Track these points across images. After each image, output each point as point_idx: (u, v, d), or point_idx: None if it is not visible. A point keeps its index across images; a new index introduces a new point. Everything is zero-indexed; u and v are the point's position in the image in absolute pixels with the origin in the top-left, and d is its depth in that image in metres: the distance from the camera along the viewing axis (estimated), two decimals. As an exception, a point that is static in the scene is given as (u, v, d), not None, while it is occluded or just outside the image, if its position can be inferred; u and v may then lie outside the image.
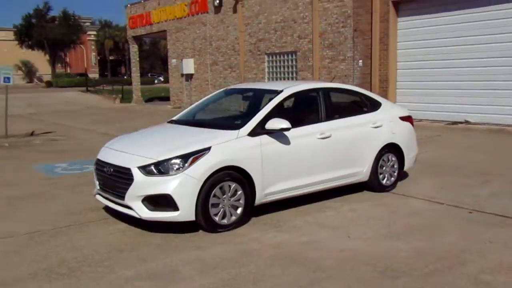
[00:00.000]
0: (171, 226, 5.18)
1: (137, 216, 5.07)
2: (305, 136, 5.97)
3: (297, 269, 4.26)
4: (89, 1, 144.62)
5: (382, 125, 6.84)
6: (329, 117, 6.32)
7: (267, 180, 5.55)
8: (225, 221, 5.25)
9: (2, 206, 6.47)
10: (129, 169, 5.08)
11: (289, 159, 5.79)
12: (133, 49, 27.61)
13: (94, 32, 75.71)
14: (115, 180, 5.26)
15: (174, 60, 24.02)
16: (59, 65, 70.08)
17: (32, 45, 61.88)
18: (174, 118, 6.59)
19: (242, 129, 5.51)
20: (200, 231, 5.21)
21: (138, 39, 27.56)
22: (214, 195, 5.13)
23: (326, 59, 16.61)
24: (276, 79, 18.63)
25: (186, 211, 4.97)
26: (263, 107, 5.91)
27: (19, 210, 6.28)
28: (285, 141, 5.72)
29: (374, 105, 7.02)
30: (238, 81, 19.76)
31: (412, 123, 7.47)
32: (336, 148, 6.24)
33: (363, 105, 7.05)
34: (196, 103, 7.03)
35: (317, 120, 6.26)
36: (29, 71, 70.82)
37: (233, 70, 20.50)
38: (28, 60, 68.37)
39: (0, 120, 14.13)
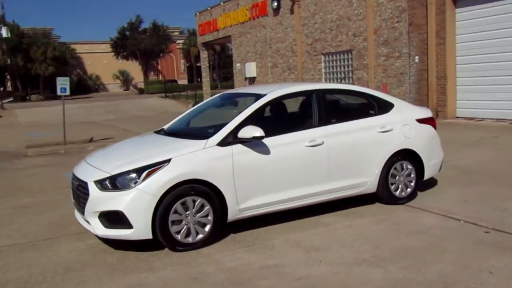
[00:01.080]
0: (149, 243, 4.71)
1: (94, 233, 4.68)
2: (289, 144, 5.23)
3: (232, 302, 3.60)
4: (178, 11, 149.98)
5: (393, 129, 5.88)
6: (323, 122, 5.50)
7: (241, 194, 4.91)
8: (189, 240, 4.69)
9: (3, 215, 6.43)
10: (86, 183, 4.71)
11: (269, 170, 5.08)
12: (203, 55, 27.88)
13: (182, 41, 78.32)
14: (79, 194, 4.92)
15: (238, 64, 23.82)
16: (151, 73, 73.45)
17: (126, 56, 65.39)
18: (163, 127, 6.13)
19: (211, 139, 4.91)
20: (166, 249, 4.71)
21: (207, 45, 27.79)
22: (175, 211, 4.59)
23: (381, 57, 15.37)
24: (333, 80, 17.66)
25: (141, 229, 4.48)
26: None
27: (16, 220, 6.19)
28: (264, 150, 5.03)
29: (383, 107, 6.07)
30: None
31: (434, 126, 6.40)
32: (331, 157, 5.42)
33: (369, 107, 6.12)
34: (191, 109, 6.51)
35: (307, 126, 5.48)
36: (125, 80, 74.87)
37: (291, 71, 19.81)
38: (125, 69, 72.36)
39: (69, 128, 14.68)
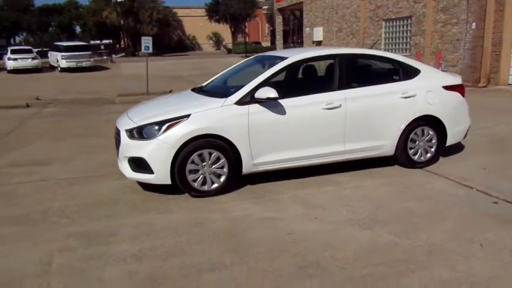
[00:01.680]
0: (173, 188, 4.56)
1: (124, 174, 4.68)
2: (306, 106, 4.79)
3: (217, 249, 3.40)
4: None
5: (416, 95, 5.19)
6: (344, 86, 4.95)
7: (256, 149, 4.62)
8: (205, 187, 4.53)
9: (73, 152, 6.69)
10: (119, 131, 4.67)
11: (284, 130, 4.70)
12: (278, 20, 26.98)
13: (267, 7, 76.49)
14: (117, 141, 4.91)
15: (307, 29, 22.75)
16: (239, 35, 73.12)
17: (218, 19, 65.39)
18: (202, 85, 5.89)
19: (229, 98, 4.61)
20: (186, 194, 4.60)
21: (282, 11, 26.77)
22: (192, 162, 4.42)
23: (439, 23, 13.77)
24: (392, 45, 16.28)
25: (161, 175, 4.39)
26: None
27: (80, 156, 6.41)
28: (280, 110, 4.65)
29: (408, 73, 5.34)
30: (358, 47, 17.85)
31: (462, 93, 5.57)
32: (349, 120, 4.90)
33: (393, 72, 5.40)
34: (227, 69, 6.18)
35: (327, 89, 4.95)
36: (217, 41, 75.31)
37: (354, 36, 18.54)
38: (217, 31, 72.65)
39: (156, 80, 14.96)
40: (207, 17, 65.57)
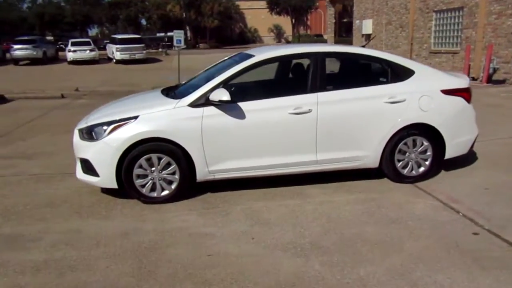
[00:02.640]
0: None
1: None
2: (270, 110, 4.31)
3: (121, 267, 3.09)
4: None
5: (405, 100, 4.51)
6: (317, 88, 4.41)
7: (211, 156, 4.25)
8: (154, 194, 4.26)
9: (63, 147, 6.66)
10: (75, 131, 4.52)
11: (243, 136, 4.28)
12: (329, 11, 25.96)
13: (330, -2, 74.46)
14: None
15: (357, 21, 21.62)
16: (301, 27, 72.08)
17: (279, 12, 64.85)
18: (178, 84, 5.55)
19: (183, 99, 4.27)
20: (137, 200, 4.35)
21: (334, 2, 25.71)
22: (140, 166, 4.16)
23: (493, 15, 12.30)
24: (442, 39, 14.90)
25: (106, 178, 4.17)
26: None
27: (65, 152, 6.35)
28: (238, 114, 4.23)
29: (399, 74, 4.65)
30: (407, 41, 16.62)
31: (467, 98, 4.77)
32: (321, 126, 4.37)
33: (380, 74, 4.73)
34: (210, 67, 5.79)
35: (297, 91, 4.44)
36: (278, 33, 74.79)
37: (403, 29, 17.25)
38: (278, 24, 72.11)
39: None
40: (267, 10, 65.36)
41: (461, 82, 4.84)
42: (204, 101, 4.21)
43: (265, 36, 73.35)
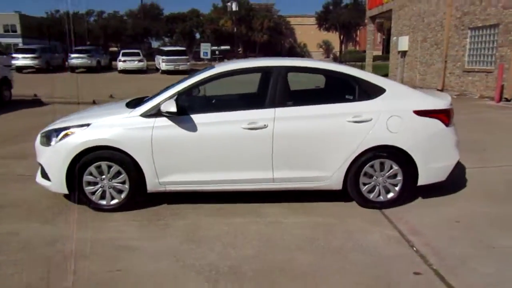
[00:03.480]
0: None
1: None
2: (223, 124, 4.06)
3: None
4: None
5: (371, 119, 4.08)
6: (276, 103, 4.09)
7: (161, 167, 4.06)
8: (104, 202, 4.13)
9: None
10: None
11: (194, 149, 4.05)
12: (369, 28, 25.14)
13: (381, 15, 72.71)
14: None
15: (394, 38, 20.72)
16: (350, 43, 70.96)
17: (328, 28, 64.22)
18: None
19: (136, 109, 4.13)
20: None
21: (373, 19, 24.84)
22: (90, 173, 4.06)
23: (530, 33, 11.24)
24: (475, 57, 13.85)
25: (56, 183, 4.09)
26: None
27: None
28: (189, 127, 4.02)
29: (367, 92, 4.22)
30: (441, 58, 15.65)
31: (445, 121, 4.24)
32: (277, 143, 4.04)
33: (346, 91, 4.32)
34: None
35: (255, 106, 4.16)
36: (327, 49, 74.03)
37: (438, 47, 16.25)
38: (327, 39, 71.37)
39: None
40: (316, 26, 64.91)
41: (439, 103, 4.32)
42: (155, 112, 4.04)
43: (314, 52, 72.81)
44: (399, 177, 4.21)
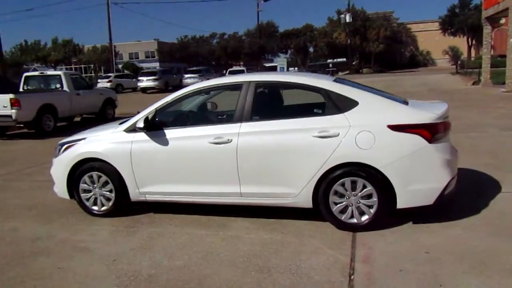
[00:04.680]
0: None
1: None
2: (192, 138, 4.23)
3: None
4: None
5: (339, 135, 3.83)
6: (243, 118, 4.12)
7: (140, 178, 4.42)
8: (95, 208, 4.65)
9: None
10: None
11: (167, 162, 4.31)
12: (486, 30, 22.33)
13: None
14: None
15: (511, 40, 18.06)
16: (481, 47, 63.80)
17: (453, 32, 58.78)
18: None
19: (122, 125, 4.57)
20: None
21: (490, 19, 21.97)
22: (84, 182, 4.62)
23: None
24: None
25: (60, 190, 4.75)
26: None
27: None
28: (162, 141, 4.30)
29: (338, 106, 3.94)
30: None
31: (428, 137, 3.72)
32: (241, 158, 4.07)
33: (316, 105, 4.08)
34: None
35: (224, 121, 4.26)
36: (454, 55, 67.56)
37: (559, 47, 13.70)
38: (455, 45, 65.21)
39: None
40: (440, 31, 59.85)
41: (421, 116, 3.81)
42: (134, 127, 4.42)
43: (439, 59, 67.11)
44: (374, 198, 3.83)
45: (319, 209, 4.01)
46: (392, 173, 3.75)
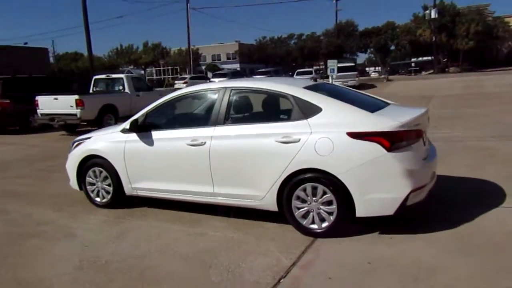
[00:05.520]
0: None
1: None
2: (173, 140, 4.58)
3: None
4: None
5: (300, 140, 3.90)
6: (217, 122, 4.36)
7: (132, 175, 4.88)
8: (98, 199, 5.21)
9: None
10: None
11: (152, 161, 4.71)
12: None
13: None
14: None
15: None
16: None
17: None
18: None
19: (120, 125, 5.06)
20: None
21: None
22: (89, 176, 5.21)
23: None
24: None
25: (72, 182, 5.39)
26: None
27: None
28: (148, 141, 4.72)
29: (303, 111, 3.99)
30: None
31: (386, 145, 3.63)
32: (213, 159, 4.31)
33: (283, 110, 4.13)
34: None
35: (202, 124, 4.50)
36: None
37: None
38: None
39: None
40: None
41: (381, 124, 3.71)
42: (128, 128, 4.89)
43: (546, 54, 59.96)
44: (334, 205, 3.83)
45: (283, 213, 4.10)
46: (350, 181, 3.71)
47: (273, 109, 4.43)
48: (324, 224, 3.90)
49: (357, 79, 27.29)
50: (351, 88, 5.42)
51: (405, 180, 3.64)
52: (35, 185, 6.62)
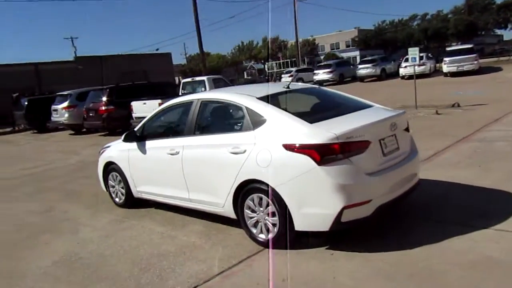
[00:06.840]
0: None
1: None
2: (159, 148, 5.03)
3: None
4: None
5: (245, 151, 4.01)
6: (188, 133, 4.68)
7: (135, 179, 5.52)
8: (117, 200, 5.97)
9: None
10: None
11: (145, 167, 5.28)
12: None
13: None
14: None
15: None
16: None
17: None
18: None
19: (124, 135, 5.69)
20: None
21: None
22: (110, 179, 6.01)
23: None
24: None
25: (101, 183, 6.27)
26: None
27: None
28: (142, 149, 5.28)
29: (252, 122, 4.04)
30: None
31: (316, 158, 3.49)
32: (185, 167, 4.65)
33: (238, 121, 4.17)
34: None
35: (178, 134, 4.87)
36: None
37: None
38: None
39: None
40: None
41: (313, 136, 3.57)
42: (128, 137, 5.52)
43: None
44: (276, 217, 3.84)
45: (239, 220, 4.23)
46: (286, 193, 3.69)
47: (231, 120, 4.55)
48: (270, 235, 3.93)
49: (475, 62, 24.18)
50: (337, 91, 5.15)
51: (337, 195, 3.46)
52: (95, 184, 7.77)
